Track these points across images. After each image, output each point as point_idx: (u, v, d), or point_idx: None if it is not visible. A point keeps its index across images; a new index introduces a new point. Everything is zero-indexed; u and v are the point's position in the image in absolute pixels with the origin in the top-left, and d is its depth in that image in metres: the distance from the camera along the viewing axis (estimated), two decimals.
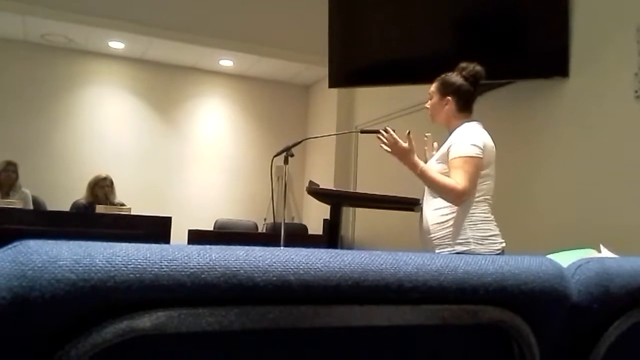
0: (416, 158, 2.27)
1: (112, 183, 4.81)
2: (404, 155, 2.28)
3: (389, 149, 2.31)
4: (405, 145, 2.26)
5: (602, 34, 3.32)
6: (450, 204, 2.26)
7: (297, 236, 5.27)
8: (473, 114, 2.42)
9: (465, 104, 2.39)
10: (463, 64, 2.42)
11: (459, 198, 2.20)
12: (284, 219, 3.21)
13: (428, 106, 2.47)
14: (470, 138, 2.26)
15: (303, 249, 0.58)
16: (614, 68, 3.22)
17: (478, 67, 2.39)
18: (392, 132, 2.29)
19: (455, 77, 2.39)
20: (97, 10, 5.29)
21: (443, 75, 2.43)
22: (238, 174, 6.63)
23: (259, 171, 6.54)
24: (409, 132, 2.27)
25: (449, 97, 2.37)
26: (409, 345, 0.65)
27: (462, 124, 2.36)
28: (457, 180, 2.19)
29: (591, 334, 0.74)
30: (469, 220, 2.24)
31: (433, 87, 2.44)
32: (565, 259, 0.77)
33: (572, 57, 3.48)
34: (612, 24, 3.27)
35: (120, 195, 4.89)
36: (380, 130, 2.32)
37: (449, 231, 2.26)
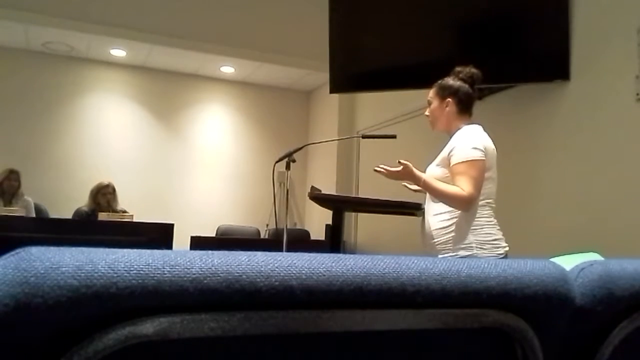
0: (416, 172, 2.31)
1: (114, 190, 4.82)
2: (403, 177, 2.35)
3: (388, 177, 2.39)
4: (399, 169, 2.32)
5: (602, 36, 3.33)
6: (452, 209, 2.25)
7: (300, 241, 5.27)
8: (474, 118, 2.42)
9: (465, 106, 2.39)
10: (458, 68, 2.44)
11: (466, 204, 2.19)
12: (286, 225, 3.20)
13: (427, 113, 2.47)
14: (471, 141, 2.25)
15: (305, 254, 0.57)
16: (615, 71, 3.22)
17: (474, 69, 2.41)
18: (382, 166, 2.37)
19: (452, 80, 2.41)
20: (99, 19, 5.32)
21: (439, 81, 2.45)
22: (240, 180, 6.64)
23: (260, 177, 6.53)
24: (399, 161, 2.33)
25: (449, 99, 2.38)
26: (412, 349, 0.65)
27: (462, 126, 2.36)
28: (462, 186, 2.18)
29: (595, 337, 0.74)
30: (472, 224, 2.23)
31: (431, 93, 2.45)
32: (568, 263, 0.77)
33: (572, 60, 3.48)
34: (612, 26, 3.27)
35: (122, 203, 4.90)
36: (375, 169, 2.39)
37: (452, 236, 2.25)
